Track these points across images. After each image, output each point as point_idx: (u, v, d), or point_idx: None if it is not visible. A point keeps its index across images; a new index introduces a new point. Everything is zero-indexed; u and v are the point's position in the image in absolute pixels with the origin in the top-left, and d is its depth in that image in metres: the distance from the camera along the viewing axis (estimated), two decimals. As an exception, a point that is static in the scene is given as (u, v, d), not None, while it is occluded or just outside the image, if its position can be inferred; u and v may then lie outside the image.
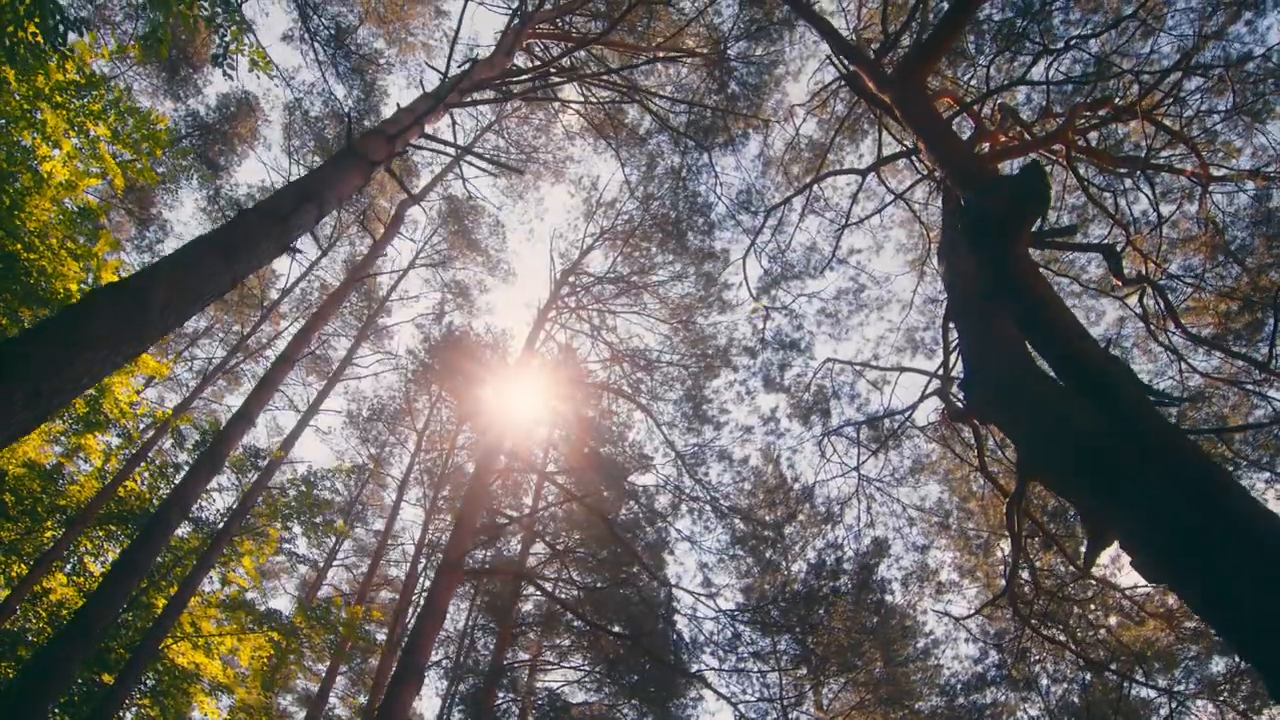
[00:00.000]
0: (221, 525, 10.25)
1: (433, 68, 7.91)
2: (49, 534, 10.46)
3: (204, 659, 9.92)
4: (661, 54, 11.89)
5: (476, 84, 8.44)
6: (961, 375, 5.10)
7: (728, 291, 13.48)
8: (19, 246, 8.10)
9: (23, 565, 10.11)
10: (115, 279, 9.49)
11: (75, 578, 10.13)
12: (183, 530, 11.38)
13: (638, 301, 15.45)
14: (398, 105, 6.56)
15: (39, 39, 3.60)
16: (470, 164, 6.52)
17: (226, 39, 5.01)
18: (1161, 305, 6.00)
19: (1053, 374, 4.14)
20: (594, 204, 16.46)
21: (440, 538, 19.87)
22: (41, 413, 3.10)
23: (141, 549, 6.05)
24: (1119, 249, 7.84)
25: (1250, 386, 6.34)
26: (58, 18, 3.54)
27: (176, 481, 9.98)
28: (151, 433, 12.27)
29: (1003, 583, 7.72)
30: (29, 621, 9.78)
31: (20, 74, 6.08)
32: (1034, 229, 5.50)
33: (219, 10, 4.63)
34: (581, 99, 10.90)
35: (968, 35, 8.38)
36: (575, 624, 14.57)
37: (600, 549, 14.92)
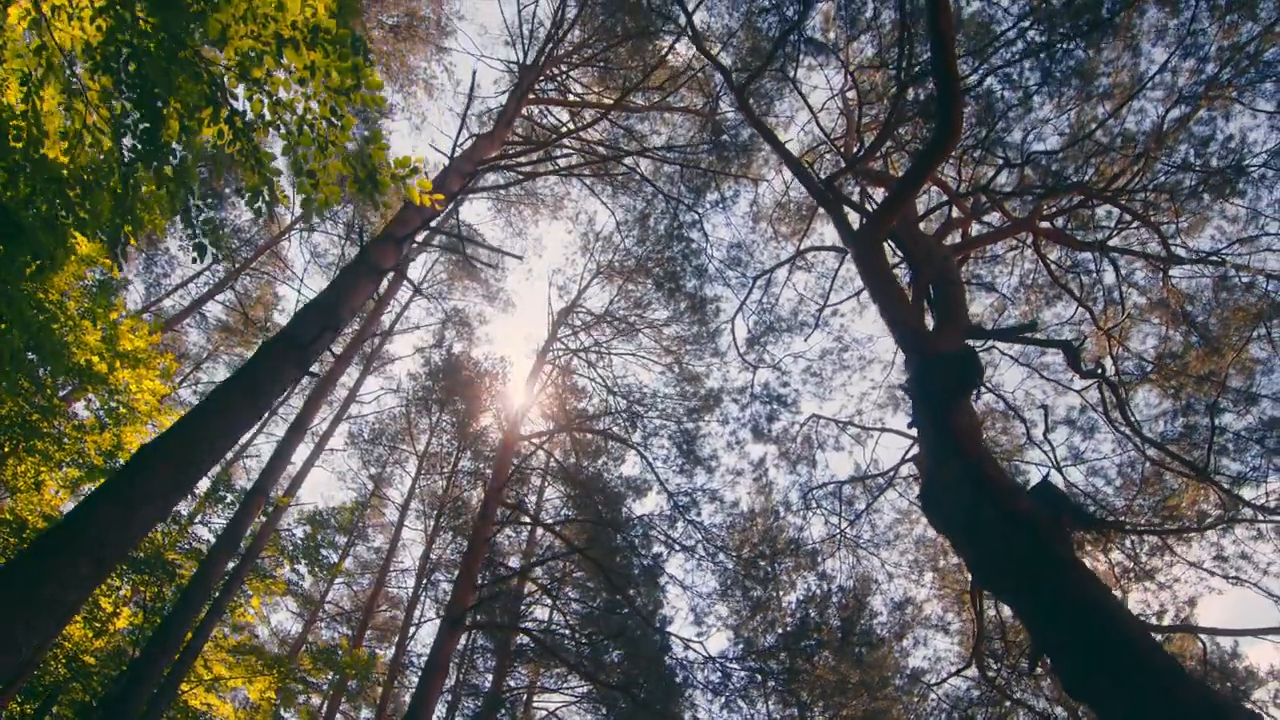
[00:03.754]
0: (231, 569, 10.69)
1: (437, 150, 8.33)
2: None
3: (216, 700, 10.38)
4: (658, 104, 12.32)
5: (479, 164, 8.89)
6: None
7: (720, 337, 13.94)
8: (42, 319, 8.49)
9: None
10: (130, 340, 9.96)
11: (94, 622, 10.56)
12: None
13: (634, 339, 15.90)
14: (405, 203, 7.00)
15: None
16: (472, 258, 6.95)
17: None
18: (1114, 399, 6.47)
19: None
20: (591, 239, 16.88)
21: (439, 556, 20.36)
22: (103, 574, 3.55)
23: (169, 634, 6.51)
24: (1082, 330, 8.32)
25: (1197, 471, 6.81)
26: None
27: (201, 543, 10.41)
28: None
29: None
30: (50, 666, 10.21)
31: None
32: (998, 329, 5.93)
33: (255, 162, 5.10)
34: (581, 163, 11.31)
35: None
36: (572, 649, 15.05)
37: (596, 573, 15.38)
